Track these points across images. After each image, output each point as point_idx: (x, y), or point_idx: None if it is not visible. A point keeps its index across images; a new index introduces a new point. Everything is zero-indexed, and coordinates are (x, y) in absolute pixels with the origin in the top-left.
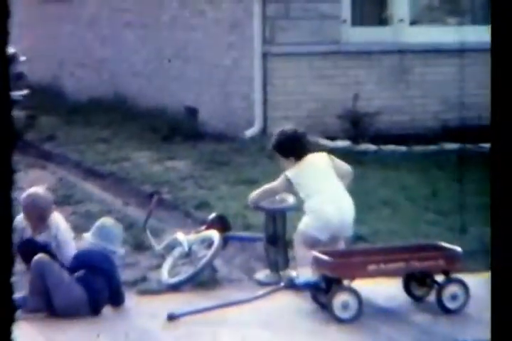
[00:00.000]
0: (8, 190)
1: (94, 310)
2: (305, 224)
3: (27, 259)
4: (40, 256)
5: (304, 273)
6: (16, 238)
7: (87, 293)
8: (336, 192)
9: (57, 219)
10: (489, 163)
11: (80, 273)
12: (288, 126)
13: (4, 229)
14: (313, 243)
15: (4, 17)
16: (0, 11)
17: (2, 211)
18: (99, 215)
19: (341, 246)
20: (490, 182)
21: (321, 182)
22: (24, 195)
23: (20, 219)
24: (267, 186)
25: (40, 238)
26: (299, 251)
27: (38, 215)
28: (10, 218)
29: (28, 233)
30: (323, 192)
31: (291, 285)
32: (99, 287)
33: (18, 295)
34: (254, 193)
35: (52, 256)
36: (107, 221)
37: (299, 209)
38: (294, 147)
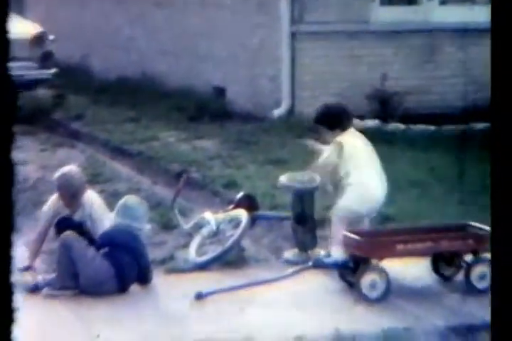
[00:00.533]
0: (9, 188)
1: (121, 287)
2: (348, 200)
3: None
4: (66, 233)
5: (337, 251)
6: (52, 216)
7: (114, 269)
8: (378, 169)
9: (92, 197)
10: None
11: (106, 250)
12: (329, 102)
13: (4, 229)
14: (355, 219)
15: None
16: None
17: (2, 210)
18: (127, 194)
19: (366, 225)
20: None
21: (367, 155)
22: (57, 174)
23: (55, 198)
24: (320, 161)
25: (75, 216)
26: (338, 229)
27: (72, 194)
28: (10, 217)
29: (64, 211)
30: (369, 166)
31: (319, 265)
32: (125, 264)
33: (48, 275)
34: (316, 169)
35: (87, 234)
36: (130, 199)
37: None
38: (340, 118)
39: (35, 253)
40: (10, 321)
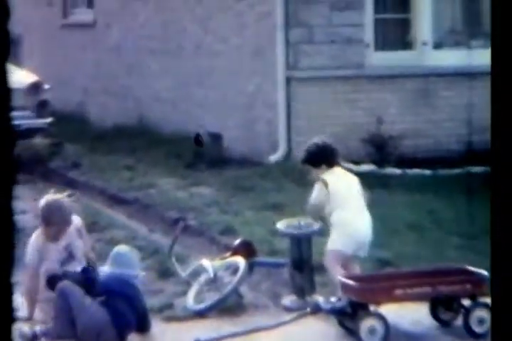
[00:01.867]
0: (9, 190)
1: (119, 336)
2: (332, 241)
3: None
4: (63, 282)
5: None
6: (39, 258)
7: (111, 318)
8: (363, 208)
9: (77, 222)
10: None
11: (103, 298)
12: (315, 138)
13: (4, 228)
14: (344, 259)
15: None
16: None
17: (2, 210)
18: (124, 242)
19: (356, 269)
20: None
21: (351, 192)
22: (45, 203)
23: (38, 235)
24: (310, 202)
25: (58, 246)
26: (334, 272)
27: (64, 220)
28: (10, 217)
29: (47, 247)
30: (352, 204)
31: (318, 311)
32: (123, 312)
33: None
34: (307, 211)
35: (84, 282)
36: (121, 248)
37: (323, 234)
38: (325, 154)
39: (33, 302)
40: (10, 321)
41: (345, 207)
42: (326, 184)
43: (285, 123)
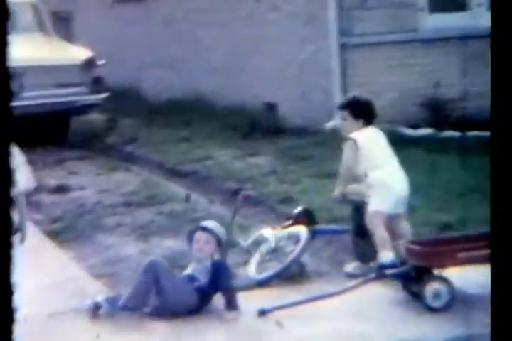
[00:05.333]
0: (7, 186)
1: (199, 305)
2: (372, 201)
3: None
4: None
5: (386, 256)
6: None
7: (195, 291)
8: (397, 165)
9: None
10: None
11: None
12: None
13: (4, 229)
14: (384, 219)
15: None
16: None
17: (2, 209)
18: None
19: (404, 228)
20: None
21: (384, 150)
22: None
23: None
24: (342, 164)
25: None
26: (379, 233)
27: None
28: (9, 217)
29: None
30: (386, 162)
31: (381, 276)
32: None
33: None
34: (337, 183)
35: None
36: (209, 223)
37: None
38: (367, 108)
39: None
40: (10, 321)
41: (380, 165)
42: (356, 143)
43: (340, 90)
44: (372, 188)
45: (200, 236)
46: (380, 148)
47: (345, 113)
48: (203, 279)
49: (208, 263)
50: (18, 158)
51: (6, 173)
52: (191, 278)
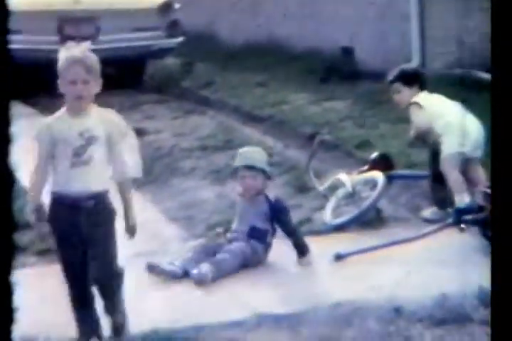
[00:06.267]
0: (7, 185)
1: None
2: (446, 146)
3: None
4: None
5: (462, 200)
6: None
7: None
8: (466, 113)
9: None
10: None
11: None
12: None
13: (4, 229)
14: (459, 163)
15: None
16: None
17: (2, 209)
18: None
19: (479, 172)
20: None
21: (452, 104)
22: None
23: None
24: (414, 129)
25: (76, 126)
26: (454, 177)
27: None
28: (9, 216)
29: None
30: (457, 111)
31: (459, 221)
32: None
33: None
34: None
35: None
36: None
37: None
38: (417, 74)
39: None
40: (10, 321)
41: (447, 114)
42: (420, 105)
43: (418, 34)
44: (445, 134)
45: (244, 173)
46: (444, 103)
47: (397, 85)
48: (262, 225)
49: (265, 206)
50: (131, 140)
51: (5, 171)
52: (253, 229)
